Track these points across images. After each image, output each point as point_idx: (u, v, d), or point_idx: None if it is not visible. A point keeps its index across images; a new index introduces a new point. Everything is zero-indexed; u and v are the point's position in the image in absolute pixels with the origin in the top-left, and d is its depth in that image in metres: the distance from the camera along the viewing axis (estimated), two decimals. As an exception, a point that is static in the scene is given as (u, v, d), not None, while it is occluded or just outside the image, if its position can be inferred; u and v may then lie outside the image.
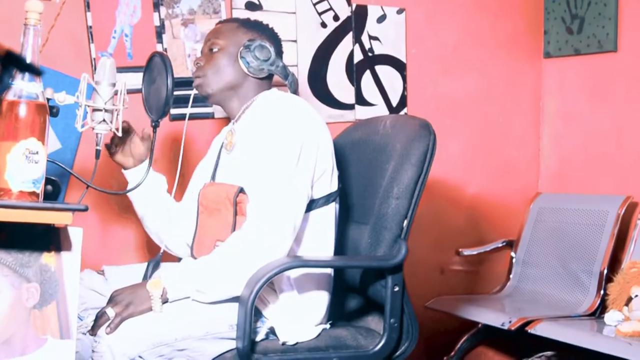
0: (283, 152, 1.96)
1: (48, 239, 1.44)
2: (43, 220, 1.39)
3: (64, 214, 1.40)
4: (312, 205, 2.04)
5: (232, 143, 2.16)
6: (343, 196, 2.16)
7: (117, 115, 1.90)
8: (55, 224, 1.48)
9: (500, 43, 3.56)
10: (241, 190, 2.00)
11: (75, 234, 1.45)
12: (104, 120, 1.87)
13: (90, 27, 2.69)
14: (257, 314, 1.97)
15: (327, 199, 2.07)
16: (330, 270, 2.11)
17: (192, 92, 2.18)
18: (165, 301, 1.86)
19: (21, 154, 1.45)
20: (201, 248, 2.09)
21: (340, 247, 2.18)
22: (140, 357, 1.77)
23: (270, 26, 2.26)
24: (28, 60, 1.49)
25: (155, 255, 2.25)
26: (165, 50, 2.78)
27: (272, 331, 1.99)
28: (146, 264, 2.21)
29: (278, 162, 1.95)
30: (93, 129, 1.87)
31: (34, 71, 0.65)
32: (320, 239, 2.08)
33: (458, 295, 3.32)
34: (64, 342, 1.41)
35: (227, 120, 2.77)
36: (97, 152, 1.92)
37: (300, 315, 2.00)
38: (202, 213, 2.14)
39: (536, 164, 3.67)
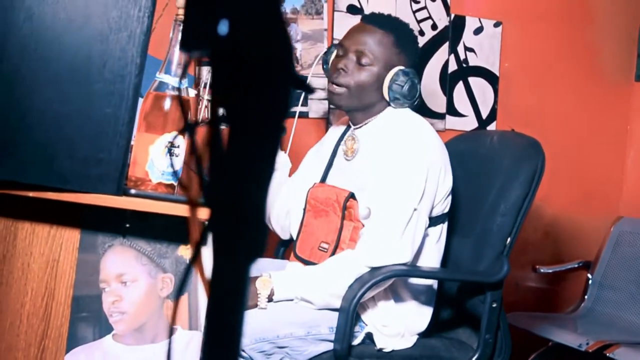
0: (410, 181, 1.95)
1: (185, 231, 1.46)
2: (181, 213, 1.41)
3: (201, 208, 1.42)
4: None
5: (354, 150, 2.13)
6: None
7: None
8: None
9: (592, 63, 3.52)
10: (352, 196, 2.01)
11: (212, 229, 1.47)
12: (223, 114, 1.91)
13: (196, 19, 2.72)
14: (357, 319, 1.98)
15: (435, 221, 2.06)
16: (434, 283, 2.10)
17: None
18: (270, 300, 1.90)
19: (164, 147, 1.49)
20: (304, 247, 2.12)
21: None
22: (242, 350, 1.80)
23: (416, 39, 2.17)
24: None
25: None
26: (267, 47, 2.81)
27: (368, 337, 2.00)
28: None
29: (404, 189, 1.94)
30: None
31: (309, 90, 0.66)
32: (426, 257, 2.07)
33: (532, 312, 3.30)
34: (192, 333, 1.44)
35: (322, 120, 2.80)
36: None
37: (399, 324, 2.01)
38: (309, 212, 2.14)
39: (619, 187, 3.63)
